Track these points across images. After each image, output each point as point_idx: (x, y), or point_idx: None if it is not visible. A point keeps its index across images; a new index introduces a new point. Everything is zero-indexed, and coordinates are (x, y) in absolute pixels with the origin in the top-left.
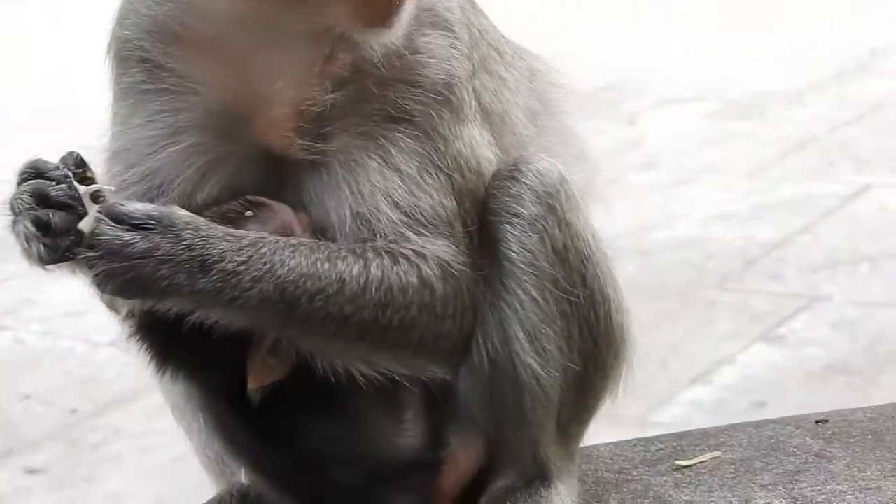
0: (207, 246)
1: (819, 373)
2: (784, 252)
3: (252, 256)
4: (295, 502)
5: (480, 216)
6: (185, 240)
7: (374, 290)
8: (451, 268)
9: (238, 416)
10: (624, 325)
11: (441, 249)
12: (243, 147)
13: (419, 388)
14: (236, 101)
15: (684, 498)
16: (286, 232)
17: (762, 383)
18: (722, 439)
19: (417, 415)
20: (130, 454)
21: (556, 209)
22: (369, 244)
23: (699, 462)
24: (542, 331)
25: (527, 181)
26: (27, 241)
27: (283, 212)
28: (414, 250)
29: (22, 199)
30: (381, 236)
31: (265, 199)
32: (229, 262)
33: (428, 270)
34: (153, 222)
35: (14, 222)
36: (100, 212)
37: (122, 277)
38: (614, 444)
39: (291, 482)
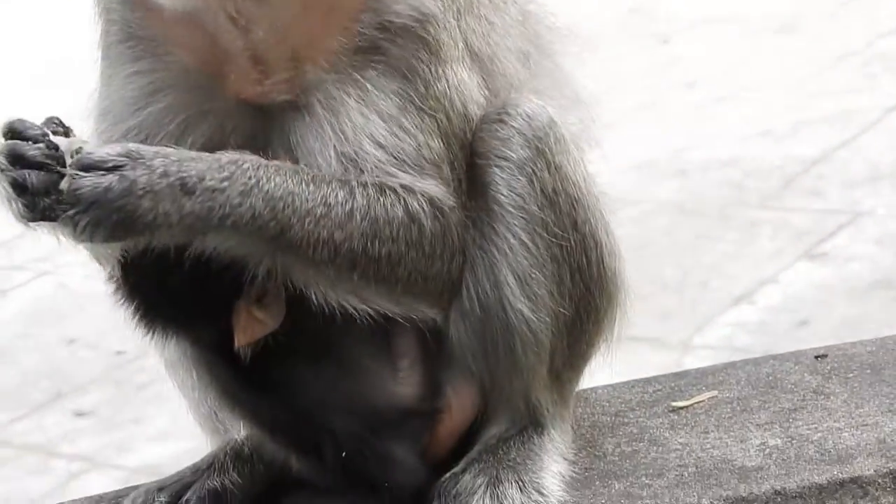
0: (184, 168)
1: (863, 289)
2: (825, 168)
3: (234, 172)
4: (292, 453)
5: (468, 160)
6: (157, 168)
7: (359, 218)
8: (440, 206)
9: (231, 369)
10: (616, 270)
11: (429, 187)
12: (222, 102)
13: (414, 336)
14: (209, 58)
15: (679, 440)
16: None
17: (805, 302)
18: (720, 378)
19: (413, 363)
20: (177, 394)
21: (545, 152)
22: (354, 177)
23: (696, 402)
24: (533, 275)
25: (515, 124)
26: (8, 200)
27: None
28: (401, 185)
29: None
30: (367, 175)
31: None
32: (210, 179)
33: (416, 205)
34: (124, 160)
35: None
36: (71, 166)
37: (109, 222)
38: (612, 386)
39: (288, 433)
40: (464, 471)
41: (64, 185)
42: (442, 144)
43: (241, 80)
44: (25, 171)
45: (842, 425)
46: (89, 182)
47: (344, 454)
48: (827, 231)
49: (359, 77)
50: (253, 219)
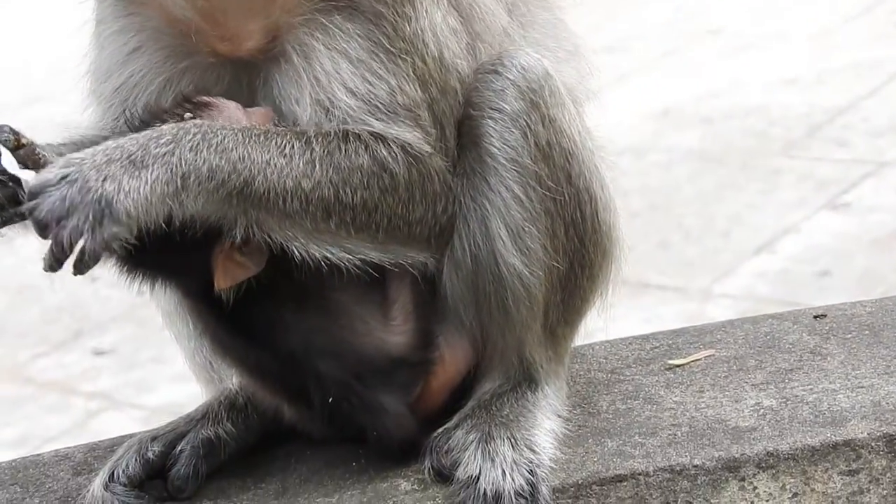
0: (125, 149)
1: (885, 240)
2: (850, 117)
3: (177, 134)
4: (281, 399)
5: (463, 111)
6: (100, 161)
7: (323, 166)
8: (415, 152)
9: (220, 316)
10: (612, 224)
11: (402, 133)
12: (199, 58)
13: (409, 285)
14: (179, 16)
15: (674, 398)
16: None
17: (827, 252)
18: (718, 336)
19: (406, 312)
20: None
21: (539, 105)
22: (316, 129)
23: (692, 361)
24: (526, 229)
25: (510, 76)
26: None
27: (228, 108)
28: (370, 132)
29: None
30: (341, 124)
31: (207, 98)
32: (155, 147)
33: (383, 152)
34: (66, 170)
35: None
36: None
37: (87, 224)
38: (609, 342)
39: (276, 378)
40: (456, 426)
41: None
42: (417, 89)
43: (212, 35)
44: None
45: (837, 387)
46: (45, 203)
47: (330, 400)
48: (850, 181)
49: (326, 22)
50: (212, 172)
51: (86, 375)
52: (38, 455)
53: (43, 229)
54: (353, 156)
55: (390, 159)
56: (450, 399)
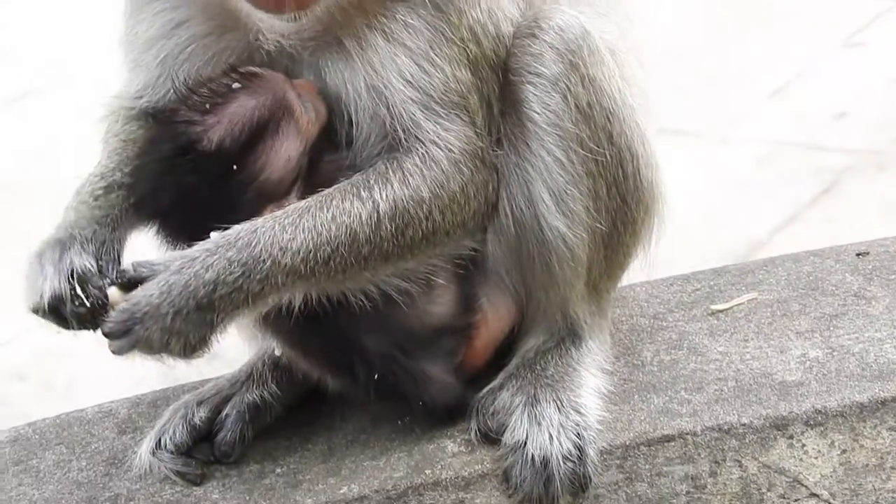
0: (190, 287)
1: None
2: None
3: (247, 262)
4: (327, 372)
5: (502, 76)
6: (170, 307)
7: (388, 222)
8: (465, 154)
9: None
10: (653, 181)
11: (452, 134)
12: (248, 36)
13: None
14: None
15: (719, 348)
16: (280, 102)
17: (844, 91)
18: (760, 277)
19: (447, 281)
20: None
21: (578, 66)
22: (373, 172)
23: (735, 305)
24: (568, 192)
25: (547, 38)
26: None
27: (276, 80)
28: (422, 156)
29: (53, 293)
30: (394, 115)
31: (255, 69)
32: (222, 286)
33: (440, 174)
34: (130, 324)
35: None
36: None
37: (161, 351)
38: (650, 283)
39: (319, 354)
40: (501, 387)
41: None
42: (470, 73)
43: (263, 16)
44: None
45: (883, 335)
46: (115, 350)
47: (376, 374)
48: (865, 20)
49: (389, 15)
50: (278, 290)
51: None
52: (82, 411)
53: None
54: (415, 192)
55: (445, 175)
56: (494, 356)
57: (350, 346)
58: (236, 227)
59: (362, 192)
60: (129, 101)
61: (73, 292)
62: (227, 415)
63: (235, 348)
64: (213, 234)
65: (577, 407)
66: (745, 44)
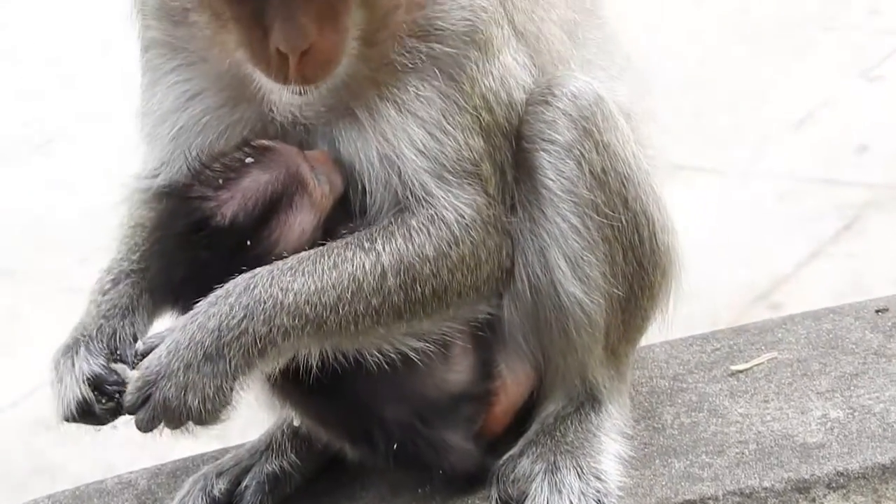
0: (196, 341)
1: None
2: None
3: (249, 305)
4: (346, 442)
5: (515, 144)
6: (176, 368)
7: (393, 275)
8: (476, 220)
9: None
10: (670, 244)
11: (463, 202)
12: (261, 108)
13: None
14: (242, 65)
15: (739, 410)
16: (294, 176)
17: (864, 124)
18: (779, 335)
19: (464, 348)
20: None
21: (592, 132)
22: (378, 226)
23: (755, 365)
24: (584, 258)
25: (560, 105)
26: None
27: (289, 154)
28: (429, 216)
29: (77, 402)
30: (406, 184)
31: (268, 143)
32: (227, 330)
33: (447, 234)
34: (147, 388)
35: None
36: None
37: (182, 426)
38: (670, 343)
39: (338, 424)
40: (521, 454)
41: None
42: (482, 141)
43: (276, 89)
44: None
45: None
46: (139, 421)
47: (396, 444)
48: (886, 51)
49: (401, 87)
50: (286, 334)
51: None
52: (102, 482)
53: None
54: (420, 250)
55: (453, 236)
56: (513, 422)
57: (369, 415)
58: (234, 279)
59: (365, 244)
60: (144, 183)
61: (95, 395)
62: (246, 486)
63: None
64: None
65: (597, 473)
66: (764, 78)
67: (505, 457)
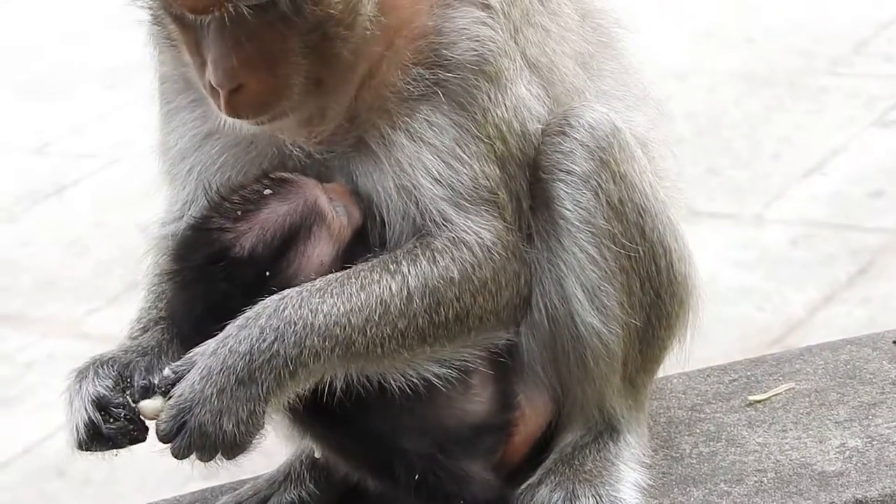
0: (228, 365)
1: None
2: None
3: (279, 327)
4: (366, 474)
5: (532, 174)
6: (210, 392)
7: (419, 298)
8: (496, 244)
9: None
10: (687, 274)
11: (482, 226)
12: (277, 143)
13: (484, 352)
14: None
15: (757, 439)
16: (312, 207)
17: (879, 171)
18: (797, 366)
19: (484, 379)
20: None
21: (609, 163)
22: (402, 250)
23: (773, 395)
24: (602, 288)
25: (577, 136)
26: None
27: (307, 186)
28: (451, 238)
29: (84, 424)
30: (425, 213)
31: (286, 175)
32: (258, 353)
33: (470, 257)
34: (182, 414)
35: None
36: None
37: (217, 455)
38: (687, 375)
39: (359, 456)
40: (540, 482)
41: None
42: (497, 170)
43: (293, 134)
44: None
45: None
46: (174, 450)
47: (417, 475)
48: None
49: (411, 116)
50: (317, 356)
51: None
52: None
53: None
54: (444, 273)
55: (476, 263)
56: (531, 451)
57: (390, 447)
58: (263, 301)
59: (390, 266)
60: (169, 228)
61: (102, 415)
62: None
63: None
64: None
65: (615, 502)
66: (778, 125)
67: (523, 486)
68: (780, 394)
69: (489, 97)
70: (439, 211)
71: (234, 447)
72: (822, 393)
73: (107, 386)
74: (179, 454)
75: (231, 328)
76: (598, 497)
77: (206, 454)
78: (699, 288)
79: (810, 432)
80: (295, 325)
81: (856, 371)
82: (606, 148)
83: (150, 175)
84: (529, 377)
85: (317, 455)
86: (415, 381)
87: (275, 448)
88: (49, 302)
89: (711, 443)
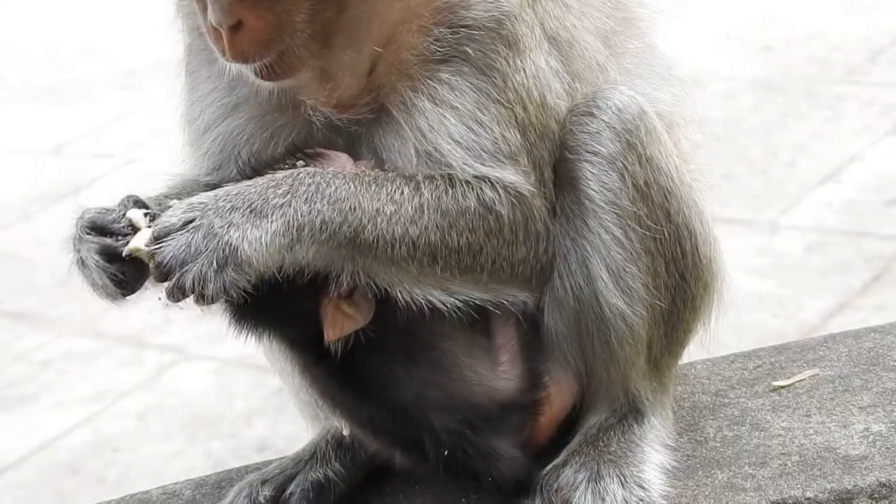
0: (247, 197)
1: None
2: None
3: (293, 184)
4: (394, 451)
5: (559, 153)
6: (224, 206)
7: (430, 211)
8: (518, 192)
9: (328, 370)
10: (712, 257)
11: (507, 175)
12: (302, 113)
13: (514, 329)
14: None
15: (781, 424)
16: None
17: (893, 179)
18: (821, 353)
19: (513, 357)
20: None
21: (636, 146)
22: (423, 172)
23: (797, 381)
24: (627, 269)
25: (605, 118)
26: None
27: (340, 159)
28: (474, 175)
29: (91, 256)
30: (446, 169)
31: (320, 150)
32: (273, 197)
33: (490, 194)
34: (191, 213)
35: (85, 267)
36: (148, 245)
37: (210, 269)
38: (711, 361)
39: (388, 432)
40: (565, 463)
41: (150, 265)
42: (518, 135)
43: (315, 92)
44: (120, 268)
45: None
46: (170, 247)
47: (446, 451)
48: None
49: (433, 80)
50: (325, 224)
51: (157, 328)
52: (147, 493)
53: (164, 275)
54: (460, 199)
55: (496, 201)
56: (556, 432)
57: (419, 423)
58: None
59: (406, 176)
60: (190, 179)
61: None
62: (291, 493)
63: None
64: None
65: (640, 482)
66: (794, 133)
67: (549, 466)
68: (804, 380)
69: (508, 62)
70: (463, 166)
71: (229, 265)
72: (846, 379)
73: (99, 209)
74: (177, 251)
75: (244, 181)
76: (622, 477)
77: (203, 262)
78: (723, 271)
79: (834, 417)
80: (308, 186)
81: (879, 358)
82: (633, 130)
83: (166, 175)
84: (555, 356)
85: (345, 433)
86: (419, 302)
87: (300, 432)
88: (65, 301)
89: (736, 427)
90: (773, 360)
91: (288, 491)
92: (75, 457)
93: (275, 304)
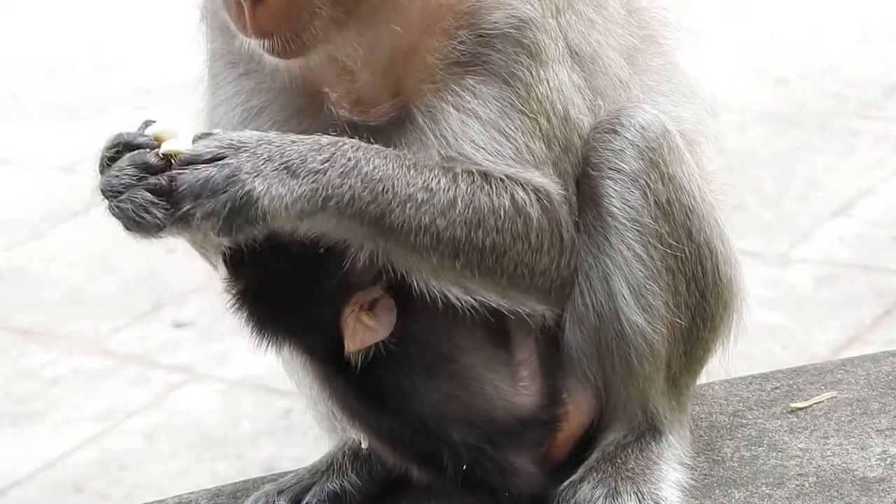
0: (286, 152)
1: None
2: None
3: (334, 153)
4: (412, 464)
5: (581, 170)
6: (261, 153)
7: (462, 205)
8: (550, 197)
9: (347, 382)
10: (732, 277)
11: (536, 178)
12: (325, 119)
13: (534, 344)
14: (308, 78)
15: (799, 445)
16: None
17: None
18: (839, 376)
19: (533, 372)
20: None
21: (659, 164)
22: (462, 165)
23: (815, 403)
24: (647, 287)
25: (628, 135)
26: (144, 211)
27: None
28: (507, 175)
29: (126, 174)
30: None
31: None
32: (312, 161)
33: (522, 195)
34: (225, 150)
35: (120, 200)
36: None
37: (222, 211)
38: (729, 382)
39: (407, 445)
40: (582, 479)
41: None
42: (543, 147)
43: (339, 97)
44: (160, 177)
45: None
46: (190, 176)
47: (464, 466)
48: None
49: (458, 86)
50: (353, 200)
51: (166, 348)
52: (163, 501)
53: (176, 203)
54: (494, 197)
55: (527, 202)
56: (573, 449)
57: (438, 437)
58: None
59: (446, 167)
60: None
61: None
62: (307, 503)
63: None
64: None
65: (657, 500)
66: (805, 167)
67: (566, 483)
68: (821, 402)
69: (531, 72)
70: (491, 168)
71: (242, 215)
72: (864, 402)
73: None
74: (194, 183)
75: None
76: (640, 494)
77: (216, 203)
78: (744, 291)
79: (852, 439)
80: (348, 159)
81: None
82: (656, 149)
83: None
84: (574, 372)
85: (363, 446)
86: (434, 294)
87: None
88: (74, 319)
89: (753, 447)
90: (790, 382)
91: (304, 502)
92: (81, 475)
93: (296, 314)
